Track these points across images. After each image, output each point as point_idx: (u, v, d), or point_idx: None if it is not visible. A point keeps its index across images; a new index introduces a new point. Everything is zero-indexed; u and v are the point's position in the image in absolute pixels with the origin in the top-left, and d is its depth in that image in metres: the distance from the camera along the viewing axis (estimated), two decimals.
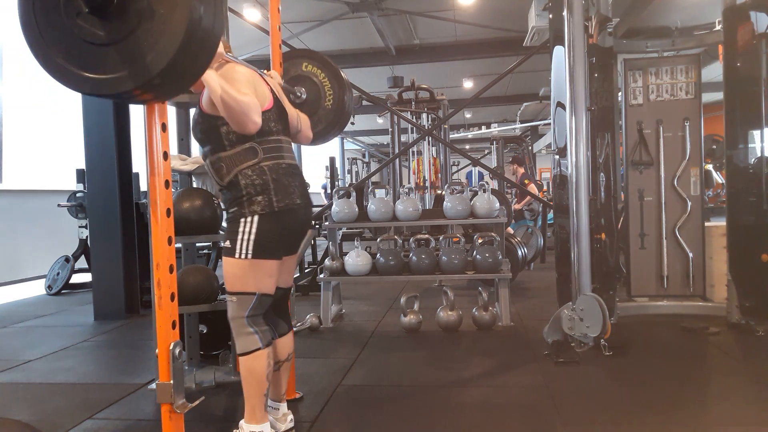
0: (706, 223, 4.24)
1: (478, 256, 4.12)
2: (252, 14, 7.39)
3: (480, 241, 4.23)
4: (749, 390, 2.73)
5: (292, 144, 2.32)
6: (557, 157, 3.81)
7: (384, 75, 10.09)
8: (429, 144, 7.52)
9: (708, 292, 4.16)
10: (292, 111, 2.34)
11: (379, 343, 3.73)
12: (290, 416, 2.35)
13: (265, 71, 2.38)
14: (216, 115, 2.05)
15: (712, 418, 2.42)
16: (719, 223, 4.20)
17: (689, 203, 4.15)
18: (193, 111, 2.37)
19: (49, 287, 6.20)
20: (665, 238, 4.19)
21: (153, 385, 2.94)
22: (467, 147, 20.95)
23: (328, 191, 12.00)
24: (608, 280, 3.78)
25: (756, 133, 3.73)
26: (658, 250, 4.22)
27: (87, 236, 5.98)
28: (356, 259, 4.24)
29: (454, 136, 15.71)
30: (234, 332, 2.13)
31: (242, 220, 2.06)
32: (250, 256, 2.05)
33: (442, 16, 8.24)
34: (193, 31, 1.43)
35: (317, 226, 6.22)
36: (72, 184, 6.30)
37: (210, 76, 1.93)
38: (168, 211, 1.71)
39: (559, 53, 3.67)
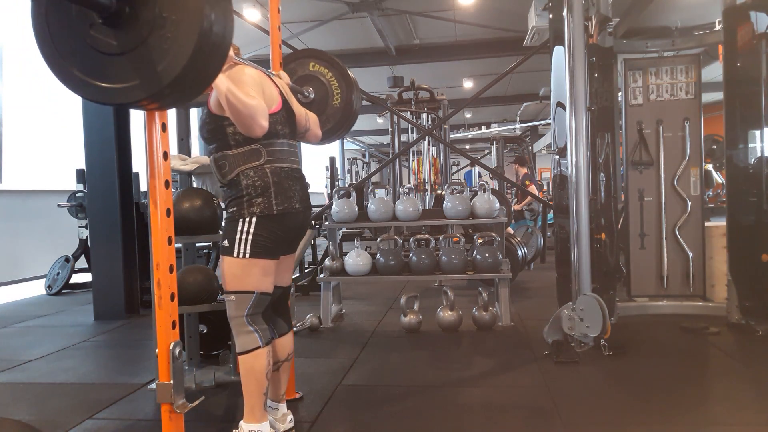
0: (706, 223, 4.24)
1: (478, 256, 4.12)
2: (252, 14, 7.39)
3: (480, 241, 4.23)
4: (749, 390, 2.73)
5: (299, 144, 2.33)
6: (557, 157, 3.81)
7: (384, 75, 10.09)
8: (429, 144, 7.52)
9: (708, 292, 4.16)
10: (300, 111, 2.35)
11: (379, 343, 3.73)
12: (290, 416, 2.35)
13: (274, 72, 2.38)
14: (223, 115, 2.07)
15: (712, 418, 2.42)
16: (719, 223, 4.20)
17: (689, 203, 4.15)
18: (195, 111, 2.38)
19: (49, 287, 6.20)
20: (665, 238, 4.19)
21: (153, 385, 2.94)
22: (467, 147, 20.95)
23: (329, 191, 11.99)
24: (608, 280, 3.78)
25: (756, 133, 3.73)
26: (658, 250, 4.22)
27: (87, 236, 5.99)
28: (356, 259, 4.24)
29: (454, 136, 15.72)
30: (234, 331, 2.14)
31: (240, 220, 2.07)
32: (248, 255, 2.06)
33: (442, 16, 8.24)
34: (204, 38, 1.43)
35: (317, 226, 6.21)
36: (72, 184, 6.30)
37: (218, 79, 1.93)
38: (168, 211, 1.71)
39: (559, 53, 3.67)
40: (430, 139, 7.30)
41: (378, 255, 4.27)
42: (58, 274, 6.23)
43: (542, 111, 16.00)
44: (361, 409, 2.61)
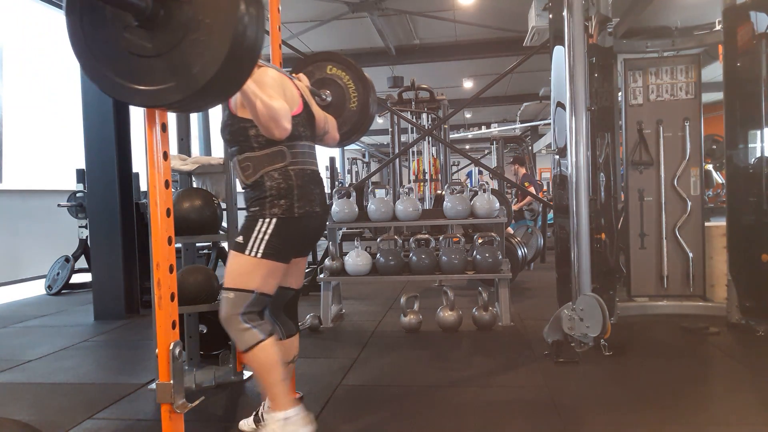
0: (706, 223, 4.24)
1: (478, 256, 4.12)
2: None
3: (480, 241, 4.23)
4: (749, 390, 2.73)
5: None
6: (557, 157, 3.81)
7: (384, 75, 10.09)
8: (429, 144, 7.52)
9: (708, 292, 4.16)
10: (319, 113, 2.34)
11: (379, 343, 3.73)
12: None
13: (294, 74, 2.38)
14: (245, 117, 2.06)
15: (712, 418, 2.42)
16: (719, 223, 4.19)
17: (689, 203, 4.15)
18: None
19: (49, 287, 6.20)
20: (665, 238, 4.19)
21: (153, 385, 2.94)
22: (467, 147, 20.96)
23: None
24: (608, 280, 3.78)
25: (756, 133, 3.73)
26: (658, 250, 4.22)
27: (87, 236, 5.98)
28: (356, 259, 4.24)
29: (454, 136, 15.72)
30: (230, 332, 2.11)
31: (260, 220, 2.06)
32: (259, 255, 2.05)
33: (442, 16, 8.24)
34: (238, 41, 1.43)
35: None
36: (72, 184, 6.30)
37: None
38: (168, 211, 1.71)
39: (559, 53, 3.67)
40: (430, 139, 7.30)
41: (378, 255, 4.27)
42: (58, 274, 6.23)
43: (542, 111, 16.01)
44: (361, 409, 2.61)
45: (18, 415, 2.61)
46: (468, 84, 12.46)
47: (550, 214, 7.30)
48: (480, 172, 14.94)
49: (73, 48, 1.55)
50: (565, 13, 3.33)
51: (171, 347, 1.68)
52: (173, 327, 1.71)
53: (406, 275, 4.29)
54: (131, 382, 3.07)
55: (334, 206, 4.38)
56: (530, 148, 13.48)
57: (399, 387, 2.91)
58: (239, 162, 2.12)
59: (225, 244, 4.24)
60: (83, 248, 6.20)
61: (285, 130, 1.99)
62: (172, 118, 2.18)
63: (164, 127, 1.71)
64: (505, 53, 9.33)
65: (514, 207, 7.46)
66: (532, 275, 6.34)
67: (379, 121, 14.89)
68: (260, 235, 2.05)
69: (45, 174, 7.72)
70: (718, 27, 4.16)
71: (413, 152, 7.90)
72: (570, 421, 2.37)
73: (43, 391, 3.00)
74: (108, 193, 4.80)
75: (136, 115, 4.69)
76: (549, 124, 7.89)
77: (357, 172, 15.63)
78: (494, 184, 9.85)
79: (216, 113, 3.18)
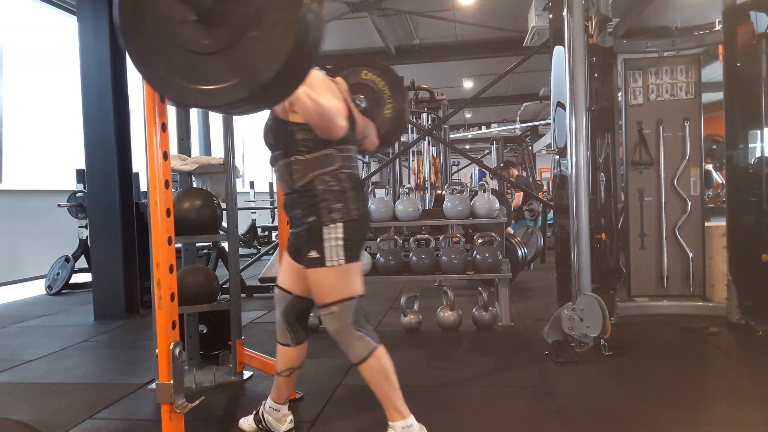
0: (706, 223, 4.24)
1: (478, 256, 4.12)
2: None
3: (480, 241, 4.23)
4: (749, 390, 2.73)
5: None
6: (557, 157, 3.81)
7: None
8: (429, 144, 7.52)
9: (708, 292, 4.16)
10: (359, 117, 2.29)
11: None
12: (290, 417, 2.35)
13: (332, 78, 2.36)
14: (291, 120, 2.00)
15: (712, 418, 2.42)
16: (719, 223, 4.19)
17: (689, 203, 4.15)
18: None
19: (49, 287, 6.20)
20: (665, 238, 4.19)
21: (153, 385, 2.94)
22: (467, 147, 20.95)
23: None
24: (608, 280, 3.78)
25: (756, 133, 3.73)
26: (658, 250, 4.22)
27: (87, 236, 5.99)
28: None
29: (454, 136, 15.72)
30: (343, 344, 2.06)
31: (325, 228, 1.99)
32: (342, 261, 1.99)
33: (442, 16, 8.24)
34: (303, 37, 1.39)
35: None
36: (72, 184, 6.30)
37: None
38: (168, 211, 1.71)
39: (559, 53, 3.67)
40: (430, 139, 7.30)
41: (378, 255, 4.27)
42: (58, 274, 6.23)
43: (542, 111, 16.01)
44: (361, 409, 2.61)
45: (18, 415, 2.61)
46: (468, 84, 12.46)
47: (550, 214, 7.31)
48: (484, 174, 14.93)
49: (124, 43, 1.48)
50: (565, 13, 3.34)
51: (171, 347, 1.68)
52: (173, 327, 1.71)
53: (406, 275, 4.29)
54: (131, 382, 3.07)
55: None
56: (530, 148, 13.48)
57: (399, 387, 2.91)
58: (286, 166, 2.04)
59: (225, 244, 4.23)
60: (83, 248, 6.21)
61: (342, 128, 1.96)
62: (172, 118, 2.18)
63: (164, 127, 1.71)
64: (505, 53, 9.33)
65: (513, 204, 7.47)
66: (532, 275, 6.34)
67: None
68: (333, 242, 1.98)
69: (45, 174, 7.72)
70: (718, 27, 4.16)
71: (413, 152, 7.90)
72: (570, 421, 2.37)
73: (43, 391, 3.00)
74: (108, 193, 4.80)
75: (136, 115, 4.70)
76: (549, 124, 7.89)
77: None
78: (494, 184, 9.86)
79: (215, 112, 3.17)
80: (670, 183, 4.19)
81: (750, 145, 3.76)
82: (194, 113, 5.16)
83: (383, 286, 5.72)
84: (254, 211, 10.49)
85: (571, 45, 3.29)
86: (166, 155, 1.71)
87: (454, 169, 14.57)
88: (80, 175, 5.95)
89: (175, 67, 1.45)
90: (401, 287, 5.64)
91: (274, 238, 10.23)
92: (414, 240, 4.36)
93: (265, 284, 5.46)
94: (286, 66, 1.39)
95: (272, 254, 6.06)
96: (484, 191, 4.26)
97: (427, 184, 7.41)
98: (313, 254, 2.00)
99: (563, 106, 3.50)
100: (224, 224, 3.16)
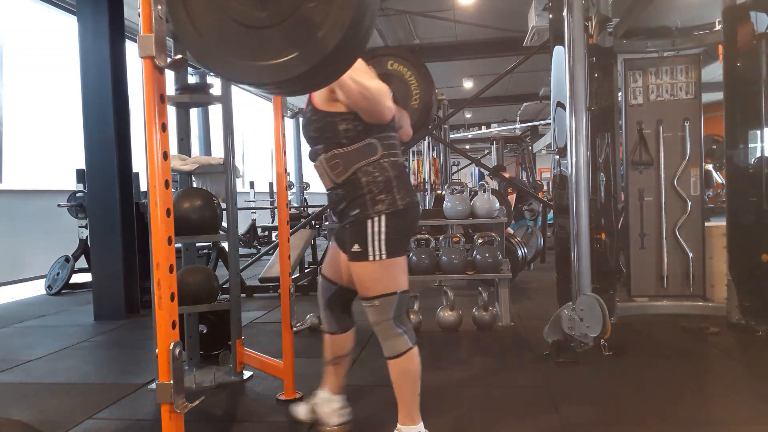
0: (706, 223, 4.24)
1: (478, 256, 4.12)
2: None
3: (480, 241, 4.23)
4: (749, 390, 2.73)
5: None
6: (557, 157, 3.81)
7: None
8: (429, 144, 7.53)
9: (708, 292, 4.16)
10: (393, 106, 2.22)
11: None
12: (346, 409, 2.31)
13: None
14: (334, 111, 1.95)
15: (712, 417, 2.42)
16: (719, 223, 4.19)
17: (689, 203, 4.15)
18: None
19: (49, 287, 6.20)
20: (665, 238, 4.19)
21: (153, 385, 2.94)
22: (467, 147, 20.95)
23: None
24: (608, 280, 3.78)
25: (756, 133, 3.73)
26: (658, 250, 4.22)
27: (87, 236, 5.98)
28: None
29: (454, 136, 15.72)
30: (380, 336, 2.03)
31: (369, 221, 1.95)
32: (384, 255, 1.95)
33: (442, 16, 8.24)
34: (363, 6, 1.33)
35: (317, 226, 6.21)
36: (72, 184, 6.30)
37: None
38: (168, 211, 1.71)
39: (559, 53, 3.67)
40: (430, 139, 7.30)
41: None
42: (58, 274, 6.22)
43: (542, 111, 16.02)
44: (361, 409, 2.61)
45: (18, 415, 2.60)
46: (468, 84, 12.46)
47: (550, 214, 7.31)
48: (480, 176, 14.94)
49: (173, 24, 1.41)
50: (565, 13, 3.33)
51: (171, 347, 1.67)
52: (173, 327, 1.70)
53: None
54: (131, 382, 3.07)
55: None
56: (530, 148, 13.48)
57: None
58: (327, 160, 1.99)
59: (225, 244, 4.23)
60: (83, 248, 6.20)
61: (390, 110, 1.92)
62: (172, 118, 2.17)
63: (164, 127, 1.71)
64: (505, 53, 9.33)
65: (510, 198, 7.45)
66: (532, 275, 6.34)
67: None
68: (376, 236, 1.94)
69: (45, 174, 7.72)
70: (718, 27, 4.16)
71: (413, 152, 7.91)
72: (570, 421, 2.37)
73: (43, 391, 3.00)
74: (108, 193, 4.80)
75: (136, 115, 4.69)
76: (549, 124, 7.89)
77: None
78: (494, 184, 9.86)
79: (216, 112, 3.17)
80: (670, 183, 4.19)
81: (750, 145, 3.76)
82: (194, 113, 5.16)
83: None
84: (254, 211, 10.49)
85: (571, 45, 3.29)
86: (166, 155, 1.71)
87: (454, 169, 14.60)
88: (80, 175, 5.95)
89: (229, 43, 1.38)
90: None
91: (274, 238, 10.23)
92: (414, 240, 4.36)
93: (265, 284, 5.46)
94: (347, 37, 1.32)
95: (272, 254, 6.06)
96: (484, 191, 4.25)
97: (427, 185, 7.42)
98: (356, 248, 1.97)
99: (563, 106, 3.50)
100: (224, 224, 3.16)
